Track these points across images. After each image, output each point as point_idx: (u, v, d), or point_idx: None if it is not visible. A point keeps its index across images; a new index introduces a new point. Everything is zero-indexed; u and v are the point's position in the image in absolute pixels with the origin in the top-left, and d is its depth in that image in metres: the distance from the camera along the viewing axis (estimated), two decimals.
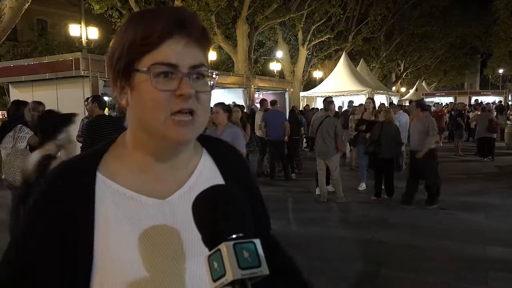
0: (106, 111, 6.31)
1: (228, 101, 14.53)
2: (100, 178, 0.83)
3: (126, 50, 0.80)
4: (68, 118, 4.80)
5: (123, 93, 0.84)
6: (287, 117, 10.95)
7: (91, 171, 0.84)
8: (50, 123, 4.71)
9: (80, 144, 5.77)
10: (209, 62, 0.89)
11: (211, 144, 0.98)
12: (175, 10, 0.83)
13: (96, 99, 5.77)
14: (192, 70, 0.80)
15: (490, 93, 37.32)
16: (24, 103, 5.32)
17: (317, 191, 8.29)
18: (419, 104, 7.60)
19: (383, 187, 7.96)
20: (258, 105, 13.76)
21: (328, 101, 8.18)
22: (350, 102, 15.08)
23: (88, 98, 6.70)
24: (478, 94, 36.57)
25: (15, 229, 0.85)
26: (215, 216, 0.69)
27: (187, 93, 0.78)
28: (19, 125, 5.00)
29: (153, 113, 0.79)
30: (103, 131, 5.09)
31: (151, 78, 0.78)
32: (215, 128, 5.35)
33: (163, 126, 0.79)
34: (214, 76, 0.85)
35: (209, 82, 0.84)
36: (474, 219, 6.54)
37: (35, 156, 4.30)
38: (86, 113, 6.68)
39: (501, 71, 42.31)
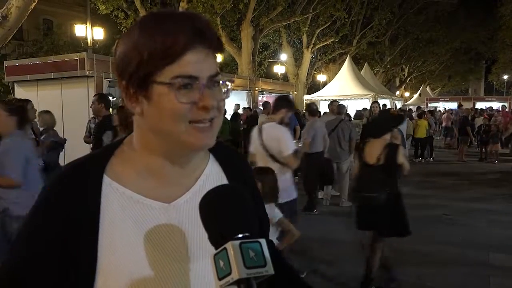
0: (110, 111, 6.23)
1: (231, 103, 14.57)
2: (107, 181, 0.84)
3: (145, 61, 0.77)
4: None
5: (135, 101, 0.82)
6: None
7: (97, 173, 0.84)
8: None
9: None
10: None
11: (218, 149, 0.99)
12: (193, 19, 0.81)
13: (102, 99, 5.65)
14: (211, 80, 0.81)
15: (495, 99, 37.21)
16: (27, 101, 5.32)
17: (320, 195, 8.28)
18: (308, 109, 7.52)
19: None
20: (261, 107, 13.77)
21: (340, 105, 8.19)
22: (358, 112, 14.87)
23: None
24: (483, 100, 36.48)
25: (20, 229, 0.85)
26: (221, 215, 0.70)
27: (211, 105, 0.79)
28: None
29: (173, 124, 0.79)
30: (112, 131, 5.08)
31: (174, 91, 0.77)
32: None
33: (183, 135, 0.80)
34: (228, 84, 0.85)
35: (223, 89, 0.84)
36: (477, 225, 6.52)
37: None
38: (91, 113, 6.65)
39: (505, 77, 42.25)
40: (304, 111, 16.89)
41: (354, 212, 4.22)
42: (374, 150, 4.00)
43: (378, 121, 4.40)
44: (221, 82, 0.83)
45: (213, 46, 0.82)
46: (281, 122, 4.37)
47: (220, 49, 0.85)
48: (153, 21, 0.80)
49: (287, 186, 4.13)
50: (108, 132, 5.15)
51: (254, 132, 4.41)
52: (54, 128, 6.04)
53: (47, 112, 5.99)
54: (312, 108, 7.80)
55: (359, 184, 4.13)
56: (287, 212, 4.00)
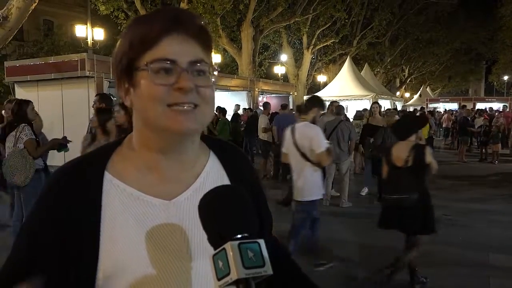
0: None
1: (231, 103, 14.58)
2: (108, 177, 0.84)
3: (127, 51, 0.82)
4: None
5: (128, 95, 0.85)
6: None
7: (99, 170, 0.85)
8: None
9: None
10: (214, 65, 0.89)
11: (218, 146, 0.99)
12: (172, 9, 0.87)
13: (103, 99, 5.37)
14: (192, 65, 0.81)
15: (495, 99, 37.21)
16: (27, 102, 5.30)
17: None
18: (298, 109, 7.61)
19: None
20: (261, 108, 13.78)
21: (338, 106, 8.19)
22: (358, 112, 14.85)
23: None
24: (483, 100, 36.49)
25: (21, 225, 0.86)
26: (221, 216, 0.70)
27: (186, 86, 0.79)
28: (22, 124, 5.00)
29: (151, 106, 0.80)
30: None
31: (150, 74, 0.79)
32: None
33: (162, 117, 0.80)
34: (214, 73, 0.86)
35: (209, 77, 0.85)
36: (477, 225, 6.52)
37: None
38: (91, 114, 6.63)
39: (506, 77, 42.21)
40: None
41: (380, 212, 4.36)
42: (402, 153, 4.08)
43: (403, 124, 4.49)
44: (203, 68, 0.83)
45: (190, 33, 0.83)
46: (313, 122, 4.50)
47: (202, 37, 0.85)
48: (139, 18, 0.87)
49: (313, 185, 4.37)
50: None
51: (287, 132, 4.55)
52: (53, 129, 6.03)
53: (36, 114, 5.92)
54: (302, 108, 7.90)
55: (388, 187, 4.21)
56: (308, 208, 4.44)
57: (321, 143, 4.29)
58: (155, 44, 0.80)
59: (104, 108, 4.86)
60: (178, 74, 0.80)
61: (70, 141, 5.63)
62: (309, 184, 4.35)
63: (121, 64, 0.84)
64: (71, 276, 0.78)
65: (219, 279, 0.65)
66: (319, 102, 4.75)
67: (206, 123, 0.86)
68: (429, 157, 4.01)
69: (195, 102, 0.81)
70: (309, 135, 4.33)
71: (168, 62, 0.80)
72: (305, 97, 21.32)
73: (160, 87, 0.79)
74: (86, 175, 0.84)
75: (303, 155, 4.33)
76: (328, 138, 7.64)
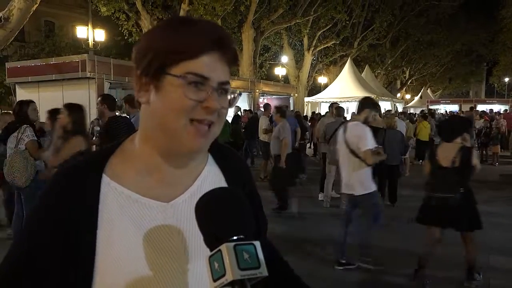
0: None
1: None
2: (106, 180, 0.85)
3: (162, 54, 0.82)
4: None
5: (144, 90, 0.85)
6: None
7: (97, 172, 0.85)
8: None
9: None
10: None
11: (216, 149, 1.00)
12: (216, 28, 0.87)
13: (105, 100, 5.29)
14: (220, 86, 0.83)
15: (496, 101, 37.20)
16: (28, 103, 5.31)
17: (320, 197, 8.28)
18: (279, 111, 7.93)
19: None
20: (262, 109, 13.80)
21: (338, 107, 8.19)
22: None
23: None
24: (484, 102, 36.46)
25: (20, 229, 0.87)
26: (217, 217, 0.71)
27: (214, 106, 0.81)
28: (24, 125, 5.01)
29: (175, 117, 0.81)
30: (117, 133, 4.83)
31: (182, 84, 0.80)
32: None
33: (181, 131, 0.82)
34: (236, 95, 0.89)
35: (228, 98, 0.87)
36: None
37: None
38: (92, 115, 6.63)
39: (507, 79, 42.24)
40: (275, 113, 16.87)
41: (420, 208, 4.69)
42: (448, 153, 4.30)
43: (449, 126, 4.80)
44: (229, 91, 0.86)
45: (228, 56, 0.85)
46: (365, 121, 4.76)
47: (234, 62, 0.88)
48: (180, 22, 0.86)
49: (364, 180, 4.69)
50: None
51: (340, 130, 4.99)
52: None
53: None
54: (283, 110, 8.04)
55: (433, 186, 4.49)
56: (365, 203, 4.71)
57: (367, 143, 4.57)
58: (194, 57, 0.81)
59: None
60: (208, 93, 0.81)
61: None
62: (361, 179, 4.69)
63: (152, 62, 0.83)
64: (69, 277, 0.79)
65: (214, 280, 0.65)
66: (371, 103, 4.98)
67: (213, 140, 0.88)
68: (475, 159, 4.31)
69: (213, 120, 0.84)
70: (358, 134, 4.65)
71: (202, 78, 0.81)
72: (306, 99, 21.32)
73: (190, 101, 0.80)
74: (85, 178, 0.84)
75: (352, 151, 4.66)
76: (329, 140, 7.67)
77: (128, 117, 6.06)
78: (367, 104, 4.87)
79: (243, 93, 16.15)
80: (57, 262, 0.79)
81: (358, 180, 4.69)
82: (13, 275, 0.81)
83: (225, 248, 0.66)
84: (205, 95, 0.81)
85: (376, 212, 4.89)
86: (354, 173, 4.70)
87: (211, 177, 0.95)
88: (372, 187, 4.78)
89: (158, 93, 0.83)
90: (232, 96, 0.87)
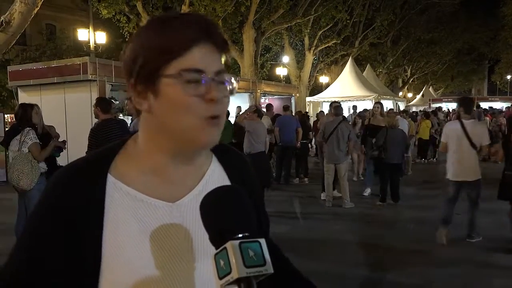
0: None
1: (234, 105, 14.59)
2: (111, 180, 0.85)
3: (152, 56, 0.80)
4: None
5: (142, 98, 0.83)
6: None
7: (102, 172, 0.85)
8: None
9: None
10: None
11: (220, 149, 1.00)
12: (199, 17, 0.84)
13: (98, 103, 5.38)
14: (217, 76, 0.82)
15: (498, 99, 37.11)
16: (31, 106, 5.32)
17: (322, 196, 8.28)
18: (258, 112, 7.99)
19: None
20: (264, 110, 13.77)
21: (338, 106, 8.20)
22: (354, 107, 15.01)
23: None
24: (486, 100, 36.38)
25: (23, 227, 0.87)
26: (222, 215, 0.71)
27: (217, 97, 0.80)
28: (27, 128, 5.02)
29: (183, 117, 0.80)
30: (108, 136, 4.95)
31: (179, 83, 0.79)
32: None
33: (193, 130, 0.81)
34: (233, 81, 0.87)
35: (228, 87, 0.86)
36: (482, 225, 6.49)
37: None
38: (94, 117, 6.63)
39: (509, 77, 42.16)
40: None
41: (500, 186, 5.62)
42: None
43: None
44: (226, 79, 0.85)
45: (218, 44, 0.84)
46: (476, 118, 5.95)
47: (225, 48, 0.87)
48: (160, 21, 0.84)
49: (474, 169, 5.59)
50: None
51: (456, 126, 5.67)
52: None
53: None
54: (260, 111, 8.16)
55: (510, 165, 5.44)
56: (474, 187, 5.63)
57: (487, 138, 5.61)
58: (184, 53, 0.80)
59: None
60: (207, 84, 0.80)
61: (65, 148, 5.68)
62: (476, 167, 5.59)
63: (143, 68, 0.81)
64: (75, 277, 0.79)
65: (220, 278, 0.66)
66: (473, 103, 6.16)
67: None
68: None
69: (219, 113, 0.83)
70: (479, 130, 5.59)
71: (198, 72, 0.80)
72: (308, 99, 21.30)
73: (193, 98, 0.79)
74: (89, 177, 0.84)
75: (473, 145, 5.45)
76: (327, 139, 7.70)
77: (122, 119, 6.12)
78: (473, 104, 6.06)
79: (244, 94, 16.13)
80: (61, 262, 0.79)
81: (477, 168, 5.60)
82: (14, 279, 0.81)
83: (231, 246, 0.66)
84: (205, 88, 0.80)
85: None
86: (473, 162, 5.56)
87: (216, 176, 0.95)
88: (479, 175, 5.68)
89: (157, 98, 0.81)
90: (232, 84, 0.86)
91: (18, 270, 0.82)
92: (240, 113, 14.41)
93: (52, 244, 0.80)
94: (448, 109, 28.40)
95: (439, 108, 23.05)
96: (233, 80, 0.87)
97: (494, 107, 25.78)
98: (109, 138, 4.93)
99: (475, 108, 8.34)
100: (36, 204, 0.85)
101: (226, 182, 0.96)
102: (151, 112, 0.83)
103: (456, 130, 5.61)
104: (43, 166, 5.06)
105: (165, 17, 0.84)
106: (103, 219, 0.81)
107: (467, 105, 5.79)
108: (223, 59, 0.86)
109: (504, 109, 23.06)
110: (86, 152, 5.21)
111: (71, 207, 0.81)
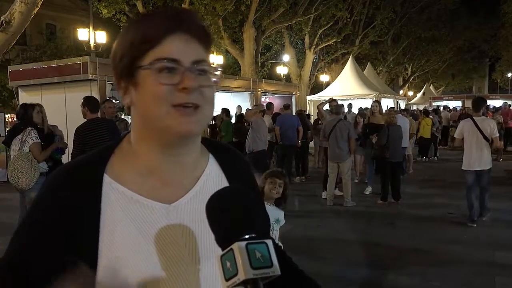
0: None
1: (234, 104, 14.58)
2: (107, 180, 0.84)
3: (128, 49, 0.82)
4: None
5: (127, 93, 0.85)
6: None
7: (98, 172, 0.84)
8: None
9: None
10: (215, 65, 0.90)
11: (217, 148, 0.99)
12: (174, 8, 0.87)
13: (86, 102, 5.17)
14: (194, 65, 0.82)
15: (499, 97, 37.03)
16: (32, 105, 5.32)
17: (323, 195, 8.28)
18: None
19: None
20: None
21: (338, 105, 8.19)
22: (350, 106, 14.54)
23: (103, 101, 6.54)
24: (487, 98, 36.23)
25: (18, 227, 0.85)
26: (228, 216, 0.70)
27: (190, 86, 0.80)
28: (29, 128, 5.02)
29: (155, 106, 0.80)
30: (93, 136, 4.81)
31: (154, 73, 0.79)
32: None
33: (165, 118, 0.80)
34: (216, 73, 0.86)
35: (212, 79, 0.85)
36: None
37: None
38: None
39: (509, 75, 42.05)
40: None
41: None
42: None
43: None
44: (205, 68, 0.84)
45: (193, 32, 0.83)
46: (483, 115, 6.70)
47: (203, 37, 0.86)
48: (139, 17, 0.87)
49: (487, 159, 6.33)
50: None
51: (468, 123, 6.45)
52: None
53: None
54: (265, 110, 8.43)
55: None
56: (487, 175, 6.39)
57: (496, 130, 6.37)
58: (158, 43, 0.80)
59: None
60: (182, 74, 0.80)
61: (65, 151, 5.67)
62: (489, 157, 6.35)
63: (121, 63, 0.83)
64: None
65: (227, 280, 0.65)
66: (484, 102, 6.96)
67: (206, 124, 0.87)
68: None
69: (197, 102, 0.81)
70: (489, 125, 6.35)
71: (172, 61, 0.80)
72: (308, 97, 21.28)
73: (164, 87, 0.79)
74: (85, 178, 0.83)
75: (485, 137, 6.21)
76: (328, 138, 7.70)
77: (111, 119, 5.98)
78: (484, 104, 6.82)
79: (245, 93, 16.12)
80: (56, 266, 0.76)
81: (489, 158, 6.32)
82: (9, 278, 0.79)
83: (237, 247, 0.65)
84: (179, 77, 0.80)
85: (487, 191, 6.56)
86: (485, 153, 6.27)
87: (213, 177, 0.94)
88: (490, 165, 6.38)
89: (136, 90, 0.83)
90: (215, 75, 0.85)
91: (10, 273, 0.80)
92: (243, 111, 14.42)
93: (48, 244, 0.79)
94: (455, 107, 28.29)
95: (445, 106, 22.93)
96: (216, 71, 0.86)
97: (495, 106, 25.70)
98: (93, 138, 4.81)
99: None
100: (32, 204, 0.84)
101: (224, 182, 0.95)
102: (134, 105, 0.84)
103: (470, 126, 6.38)
104: (43, 166, 5.06)
105: (145, 13, 0.88)
106: (99, 219, 0.80)
107: (476, 105, 6.66)
108: (205, 50, 0.86)
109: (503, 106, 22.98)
110: (72, 155, 5.06)
111: (66, 209, 0.79)
